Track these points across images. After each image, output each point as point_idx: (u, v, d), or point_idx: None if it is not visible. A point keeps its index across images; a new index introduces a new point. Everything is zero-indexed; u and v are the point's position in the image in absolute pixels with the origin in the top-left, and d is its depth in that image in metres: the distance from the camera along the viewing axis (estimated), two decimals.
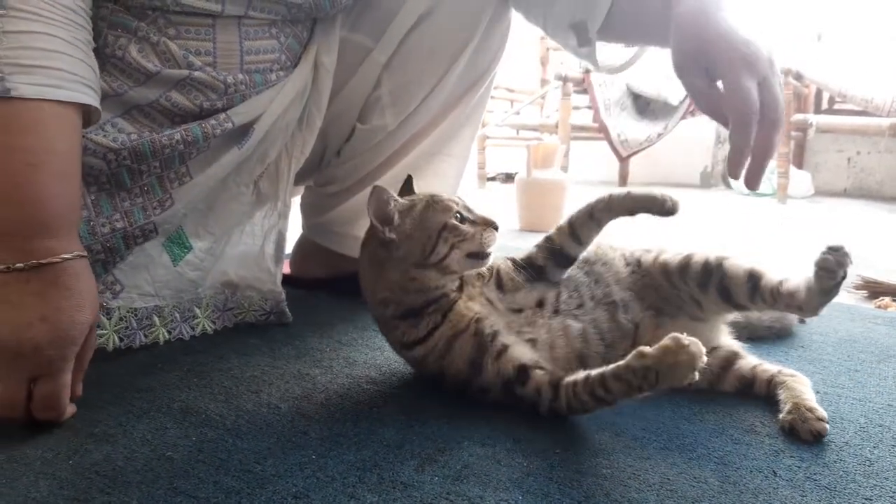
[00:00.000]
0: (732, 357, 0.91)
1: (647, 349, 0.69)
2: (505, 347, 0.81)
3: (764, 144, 0.76)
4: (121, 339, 0.97)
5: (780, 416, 0.79)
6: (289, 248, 1.23)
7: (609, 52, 1.10)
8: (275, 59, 1.01)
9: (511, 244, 2.15)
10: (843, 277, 0.83)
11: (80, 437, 0.74)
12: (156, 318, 1.00)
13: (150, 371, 0.93)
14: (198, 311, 1.05)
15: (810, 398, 0.81)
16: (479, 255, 0.84)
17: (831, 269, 0.82)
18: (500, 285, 0.89)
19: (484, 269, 0.88)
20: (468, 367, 0.81)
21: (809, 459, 0.71)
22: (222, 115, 0.97)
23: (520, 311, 0.87)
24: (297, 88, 1.05)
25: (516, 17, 1.19)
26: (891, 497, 0.65)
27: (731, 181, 4.27)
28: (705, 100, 0.80)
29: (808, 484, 0.66)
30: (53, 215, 0.75)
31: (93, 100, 0.80)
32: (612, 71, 1.14)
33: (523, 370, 0.79)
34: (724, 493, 0.64)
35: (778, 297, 0.86)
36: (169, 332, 1.02)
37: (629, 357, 0.71)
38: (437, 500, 0.62)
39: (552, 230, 0.92)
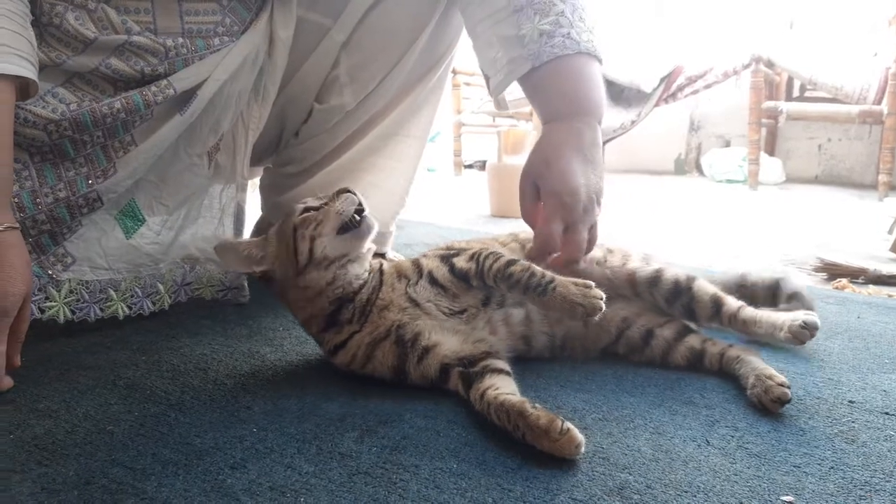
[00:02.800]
0: (683, 330, 0.94)
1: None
2: (427, 350, 0.81)
3: (559, 266, 0.87)
4: (73, 312, 0.96)
5: (748, 392, 0.81)
6: (248, 228, 1.22)
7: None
8: (218, 22, 1.00)
9: (482, 229, 2.16)
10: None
11: (23, 412, 0.74)
12: (112, 292, 0.99)
13: (98, 350, 0.93)
14: (161, 287, 1.05)
15: (767, 367, 0.84)
16: (349, 225, 0.82)
17: (802, 339, 0.91)
18: (439, 285, 0.86)
19: (409, 273, 0.87)
20: (392, 373, 0.81)
21: (743, 429, 0.73)
22: (164, 82, 0.96)
23: (462, 311, 0.86)
24: (245, 55, 1.03)
25: None
26: (819, 464, 0.66)
27: (705, 168, 4.31)
28: (526, 209, 0.95)
29: (738, 452, 0.68)
30: None
31: (28, 72, 0.80)
32: (502, 109, 1.25)
33: (444, 370, 0.80)
34: (655, 461, 0.66)
35: (734, 322, 0.95)
36: (129, 307, 1.01)
37: None
38: (373, 469, 0.63)
39: (489, 259, 0.85)
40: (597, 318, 0.78)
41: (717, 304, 0.94)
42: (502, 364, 0.79)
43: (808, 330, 0.89)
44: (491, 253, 0.85)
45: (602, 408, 0.77)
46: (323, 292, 0.83)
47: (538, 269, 0.81)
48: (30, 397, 0.78)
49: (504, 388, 0.74)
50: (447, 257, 0.89)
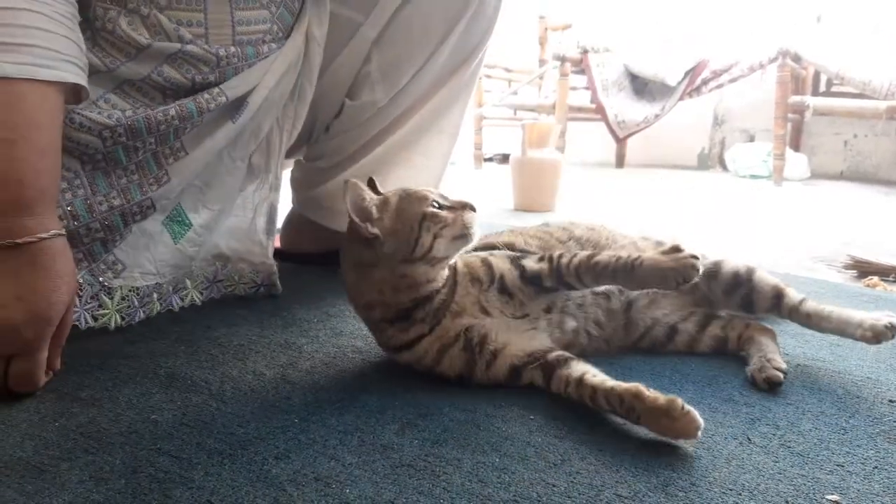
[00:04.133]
0: (705, 321, 0.96)
1: None
2: (495, 354, 0.80)
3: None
4: (123, 318, 0.97)
5: (746, 368, 0.86)
6: (279, 222, 1.23)
7: None
8: (266, 30, 1.00)
9: (507, 223, 2.16)
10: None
11: (66, 400, 0.75)
12: (154, 295, 1.01)
13: (138, 339, 0.94)
14: (188, 282, 1.06)
15: (773, 350, 0.88)
16: (464, 237, 0.81)
17: (881, 340, 0.85)
18: (507, 292, 0.85)
19: (482, 275, 0.85)
20: (459, 377, 0.81)
21: (785, 427, 0.72)
22: (216, 90, 0.96)
23: (525, 315, 0.86)
24: (290, 60, 1.04)
25: None
26: (862, 463, 0.66)
27: (728, 163, 4.27)
28: None
29: (781, 451, 0.67)
30: (32, 193, 0.74)
31: (78, 77, 0.80)
32: None
33: (514, 371, 0.80)
34: (697, 459, 0.65)
35: (795, 315, 0.92)
36: (161, 304, 1.02)
37: None
38: (416, 461, 0.63)
39: (564, 257, 0.85)
40: (694, 279, 0.78)
41: (777, 295, 0.93)
42: (570, 355, 0.80)
43: (891, 331, 0.85)
44: (562, 253, 0.86)
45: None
46: (417, 287, 0.80)
47: (622, 252, 0.82)
48: (72, 386, 0.79)
49: (598, 373, 0.76)
50: (516, 259, 0.87)
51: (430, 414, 0.73)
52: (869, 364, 0.93)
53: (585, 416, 0.73)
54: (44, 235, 0.74)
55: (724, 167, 4.44)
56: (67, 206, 0.89)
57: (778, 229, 2.28)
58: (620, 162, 4.70)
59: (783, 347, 0.95)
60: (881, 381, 0.87)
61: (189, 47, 0.93)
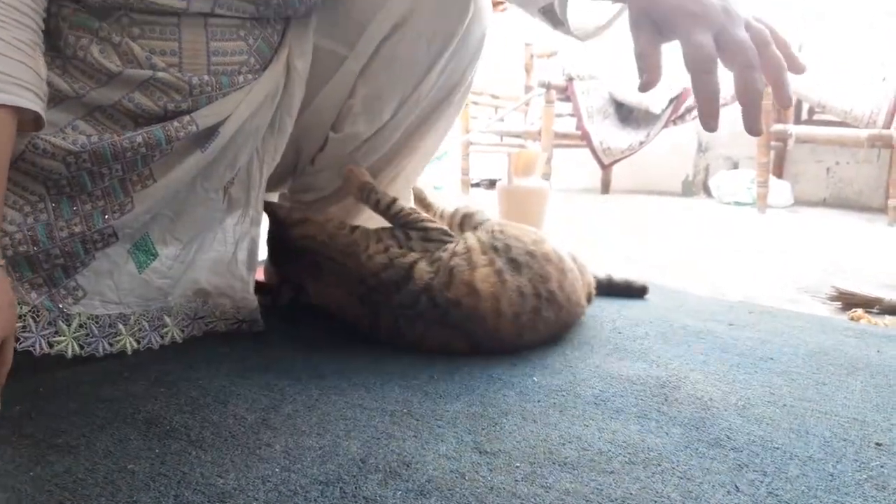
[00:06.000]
0: None
1: None
2: None
3: (744, 88, 0.75)
4: (81, 347, 0.95)
5: None
6: (262, 254, 1.22)
7: (582, 16, 1.08)
8: (243, 62, 1.00)
9: None
10: None
11: (42, 447, 0.73)
12: (121, 326, 0.99)
13: (116, 380, 0.92)
14: (167, 319, 1.04)
15: None
16: None
17: None
18: None
19: None
20: None
21: (772, 474, 0.72)
22: (186, 118, 0.95)
23: None
24: (267, 91, 1.03)
25: (495, 21, 1.20)
26: None
27: (713, 190, 4.30)
28: (643, 49, 0.80)
29: (769, 499, 0.67)
30: None
31: (32, 103, 0.79)
32: (587, 36, 1.11)
33: None
34: None
35: None
36: (137, 342, 1.00)
37: None
38: None
39: None
40: None
41: None
42: None
43: None
44: None
45: (628, 449, 0.76)
46: None
47: None
48: (48, 431, 0.77)
49: None
50: None
51: (414, 462, 0.71)
52: (855, 403, 0.92)
53: (571, 464, 0.72)
54: None
55: (709, 194, 4.47)
56: (28, 231, 0.88)
57: (762, 258, 2.29)
58: (605, 188, 4.73)
59: (771, 386, 0.95)
60: (867, 423, 0.86)
61: (161, 74, 0.92)
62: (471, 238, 1.09)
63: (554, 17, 1.01)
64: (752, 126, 0.76)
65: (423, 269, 1.03)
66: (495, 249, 1.06)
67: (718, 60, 0.76)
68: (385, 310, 1.04)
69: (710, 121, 0.77)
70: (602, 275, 1.46)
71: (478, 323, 1.02)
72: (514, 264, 1.05)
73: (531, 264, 1.06)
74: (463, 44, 1.15)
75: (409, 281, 1.02)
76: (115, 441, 0.75)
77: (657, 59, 0.79)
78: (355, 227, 1.11)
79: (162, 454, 0.72)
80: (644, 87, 0.79)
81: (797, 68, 0.80)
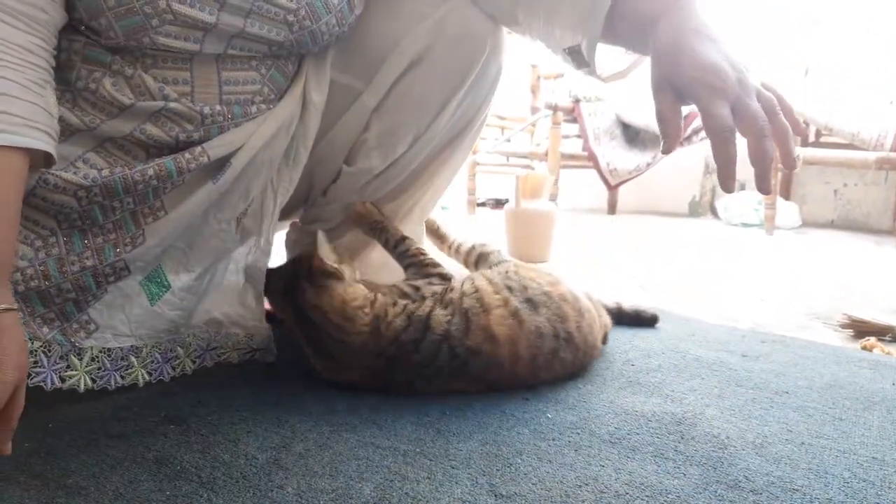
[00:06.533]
0: None
1: None
2: None
3: (757, 155, 0.79)
4: (93, 381, 0.94)
5: None
6: None
7: (606, 59, 1.09)
8: (256, 91, 1.00)
9: None
10: None
11: (51, 488, 0.72)
12: (133, 359, 0.98)
13: (126, 416, 0.91)
14: (180, 350, 1.03)
15: None
16: None
17: None
18: None
19: None
20: None
21: None
22: (197, 149, 0.95)
23: None
24: (280, 122, 1.03)
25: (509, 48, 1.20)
26: None
27: (720, 211, 4.30)
28: (665, 113, 0.84)
29: None
30: None
31: (44, 144, 0.79)
32: (613, 78, 1.12)
33: None
34: None
35: None
36: (149, 374, 1.00)
37: None
38: None
39: None
40: None
41: None
42: None
43: None
44: None
45: (645, 492, 0.75)
46: None
47: None
48: (58, 471, 0.76)
49: None
50: None
51: None
52: (873, 441, 0.91)
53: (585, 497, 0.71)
54: None
55: (716, 215, 4.46)
56: (40, 266, 0.88)
57: (771, 282, 2.28)
58: (612, 208, 4.72)
59: (787, 423, 0.94)
60: (887, 462, 0.85)
61: (173, 105, 0.92)
62: (479, 278, 1.08)
63: (579, 59, 1.01)
64: (765, 187, 0.81)
65: (439, 315, 1.00)
66: (510, 289, 1.04)
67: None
68: (402, 373, 1.01)
69: (728, 182, 0.80)
70: (612, 303, 1.45)
71: (495, 369, 1.00)
72: (532, 304, 1.03)
73: (548, 304, 1.04)
74: (478, 81, 1.14)
75: (428, 331, 0.99)
76: (126, 482, 0.74)
77: (678, 122, 0.83)
78: (374, 300, 1.04)
79: (173, 496, 0.71)
80: (666, 151, 0.83)
81: (800, 133, 0.86)
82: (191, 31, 0.89)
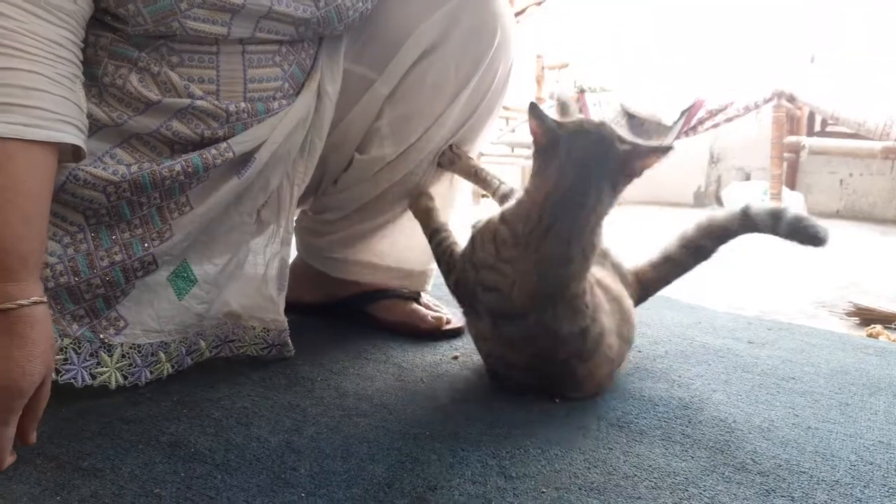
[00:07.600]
0: None
1: None
2: None
3: None
4: (125, 377, 0.94)
5: None
6: None
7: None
8: (278, 87, 1.00)
9: None
10: None
11: (67, 471, 0.73)
12: (161, 354, 0.98)
13: (139, 401, 0.92)
14: (202, 343, 1.04)
15: None
16: None
17: None
18: None
19: None
20: None
21: (800, 499, 0.71)
22: (223, 145, 0.96)
23: None
24: (299, 116, 1.04)
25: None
26: None
27: (725, 201, 4.29)
28: None
29: None
30: (15, 258, 0.73)
31: (75, 138, 0.80)
32: None
33: None
34: None
35: None
36: (173, 367, 1.00)
37: None
38: None
39: None
40: None
41: None
42: None
43: None
44: None
45: (654, 473, 0.76)
46: None
47: None
48: (73, 454, 0.77)
49: None
50: None
51: (440, 487, 0.71)
52: (879, 425, 0.92)
53: (598, 489, 0.72)
54: (24, 302, 0.72)
55: (721, 205, 4.46)
56: (69, 262, 0.88)
57: (777, 271, 2.28)
58: None
59: (794, 407, 0.95)
60: (892, 445, 0.86)
61: (199, 102, 0.93)
62: (606, 321, 0.99)
63: None
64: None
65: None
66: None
67: None
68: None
69: None
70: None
71: (606, 365, 0.99)
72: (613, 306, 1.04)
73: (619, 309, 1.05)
74: (491, 68, 1.14)
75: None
76: (141, 464, 0.75)
77: None
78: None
79: (188, 478, 0.72)
80: None
81: None
82: (219, 14, 0.89)
